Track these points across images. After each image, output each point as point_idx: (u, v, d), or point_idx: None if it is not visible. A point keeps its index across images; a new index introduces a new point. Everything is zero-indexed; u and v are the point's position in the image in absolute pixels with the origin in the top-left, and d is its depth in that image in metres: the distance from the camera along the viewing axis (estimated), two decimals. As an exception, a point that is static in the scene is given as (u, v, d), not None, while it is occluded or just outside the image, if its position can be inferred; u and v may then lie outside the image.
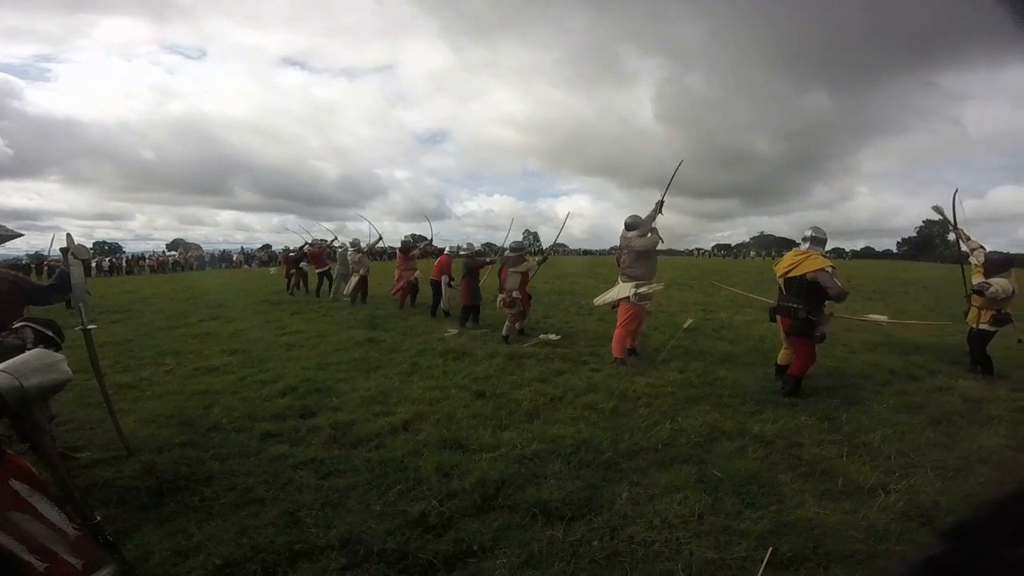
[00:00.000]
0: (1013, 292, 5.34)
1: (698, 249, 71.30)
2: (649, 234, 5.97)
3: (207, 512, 2.79)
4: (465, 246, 10.48)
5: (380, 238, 12.85)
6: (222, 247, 51.98)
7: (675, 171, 6.24)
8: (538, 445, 3.57)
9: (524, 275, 7.37)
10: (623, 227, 6.20)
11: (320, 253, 14.04)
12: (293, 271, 14.76)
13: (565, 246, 74.68)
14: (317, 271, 13.88)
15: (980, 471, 3.18)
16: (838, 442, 3.69)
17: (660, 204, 6.06)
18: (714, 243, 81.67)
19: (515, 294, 7.22)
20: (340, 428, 3.97)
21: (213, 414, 4.32)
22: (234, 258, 43.41)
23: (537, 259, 8.07)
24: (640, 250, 5.92)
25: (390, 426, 3.98)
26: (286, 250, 16.63)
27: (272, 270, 19.21)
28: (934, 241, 71.14)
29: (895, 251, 76.18)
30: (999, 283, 5.32)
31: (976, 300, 5.51)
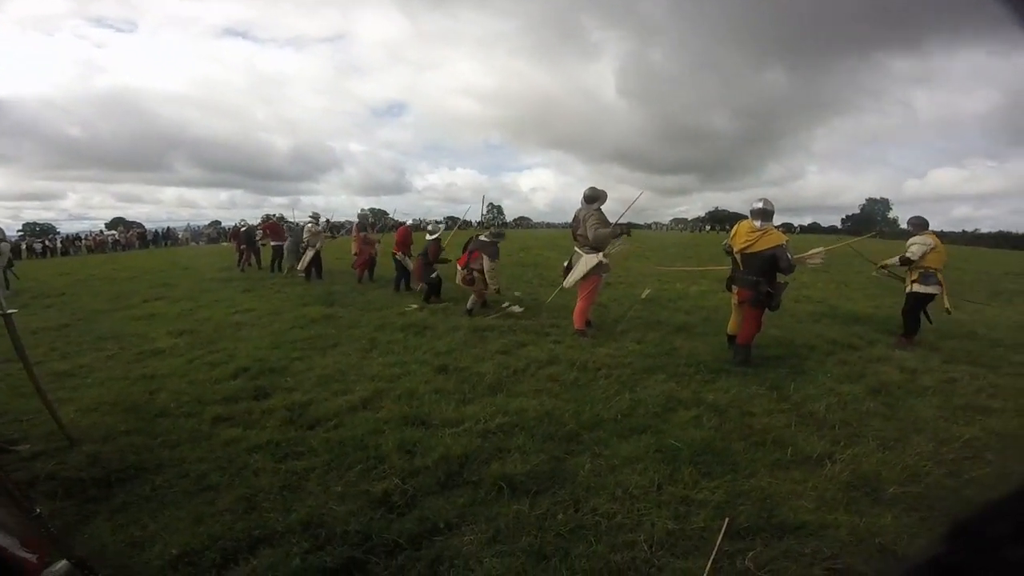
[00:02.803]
0: (933, 246, 5.80)
1: (656, 223, 73.14)
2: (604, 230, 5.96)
3: (160, 501, 2.69)
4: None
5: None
6: (166, 225, 49.07)
7: (635, 200, 6.52)
8: (501, 419, 3.58)
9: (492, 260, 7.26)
10: (582, 199, 6.17)
11: (278, 227, 13.46)
12: (243, 247, 14.10)
13: (529, 219, 74.85)
14: (273, 244, 13.33)
15: (916, 441, 3.38)
16: (787, 411, 3.87)
17: (624, 229, 6.14)
18: (672, 217, 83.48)
19: (475, 273, 7.13)
20: (296, 409, 3.86)
21: (160, 399, 4.13)
22: (180, 236, 41.27)
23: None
24: (587, 228, 5.95)
25: (349, 405, 3.90)
26: (237, 225, 15.81)
27: (225, 244, 18.41)
28: (875, 218, 76.49)
29: (839, 227, 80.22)
30: (915, 242, 5.86)
31: (907, 271, 5.99)
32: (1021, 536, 0.49)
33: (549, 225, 68.75)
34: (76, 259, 27.42)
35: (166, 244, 38.74)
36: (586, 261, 5.98)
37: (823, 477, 2.89)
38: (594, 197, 6.06)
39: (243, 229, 14.72)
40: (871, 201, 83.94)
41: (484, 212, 9.27)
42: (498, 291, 7.55)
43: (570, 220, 6.45)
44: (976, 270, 15.97)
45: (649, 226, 67.85)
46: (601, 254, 5.93)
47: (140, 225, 47.72)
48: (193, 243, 38.86)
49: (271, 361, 5.09)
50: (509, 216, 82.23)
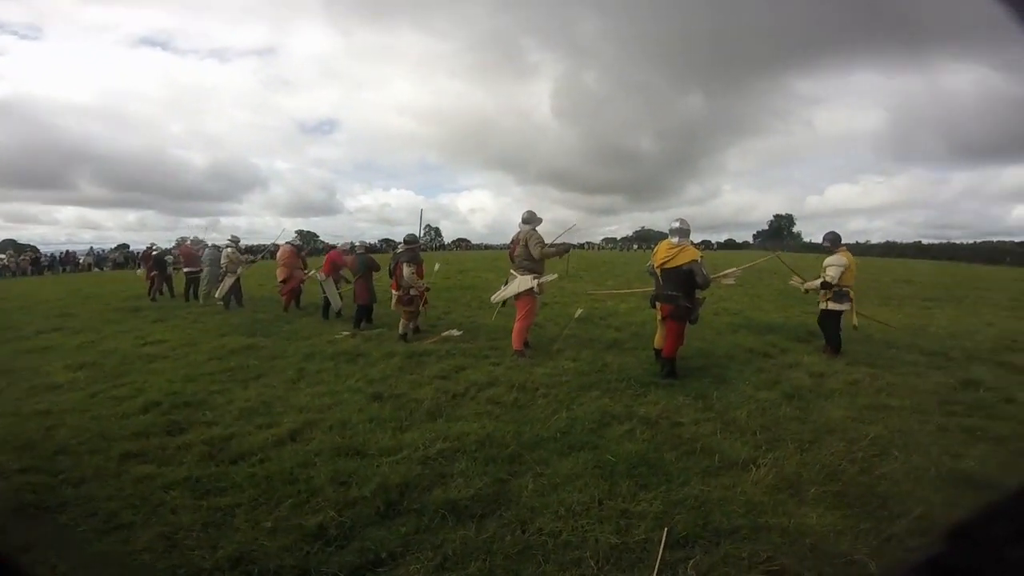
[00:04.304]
0: (848, 265, 6.26)
1: (588, 242, 75.84)
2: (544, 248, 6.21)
3: (67, 541, 2.49)
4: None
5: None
6: (65, 248, 44.14)
7: (569, 227, 6.87)
8: (442, 444, 3.52)
9: (419, 269, 7.19)
10: (521, 220, 6.37)
11: (193, 252, 12.46)
12: (155, 272, 12.97)
13: (468, 240, 74.92)
14: (186, 271, 12.34)
15: (829, 442, 3.66)
16: (712, 419, 4.07)
17: (567, 248, 6.45)
18: (603, 236, 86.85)
19: (412, 291, 7.02)
20: (216, 443, 3.63)
21: (59, 435, 3.80)
22: (81, 260, 37.29)
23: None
24: (531, 247, 6.15)
25: (275, 438, 3.69)
26: (148, 249, 14.52)
27: (139, 271, 16.82)
28: (783, 232, 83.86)
29: (751, 242, 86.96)
30: (832, 263, 6.25)
31: (826, 292, 6.33)
32: (1021, 536, 0.51)
33: (488, 246, 69.19)
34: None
35: (64, 270, 34.62)
36: (520, 282, 6.14)
37: (750, 482, 3.05)
38: (530, 219, 6.32)
39: (154, 253, 13.58)
40: (778, 217, 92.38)
41: (422, 228, 9.21)
42: (428, 290, 7.54)
43: (509, 242, 6.60)
44: (869, 279, 17.78)
45: (582, 246, 70.43)
46: (533, 277, 6.10)
47: (34, 248, 42.71)
48: (97, 269, 35.17)
49: (186, 395, 4.74)
50: (448, 237, 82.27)
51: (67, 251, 39.93)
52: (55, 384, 5.27)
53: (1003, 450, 3.58)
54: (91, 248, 41.45)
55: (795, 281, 6.90)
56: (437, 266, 7.58)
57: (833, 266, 6.25)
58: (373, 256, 8.46)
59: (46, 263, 34.96)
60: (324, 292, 9.23)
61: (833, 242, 6.50)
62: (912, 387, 5.04)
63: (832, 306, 6.31)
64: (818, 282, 6.37)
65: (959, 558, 0.54)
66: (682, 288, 5.23)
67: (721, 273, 6.30)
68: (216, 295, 10.92)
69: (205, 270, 11.61)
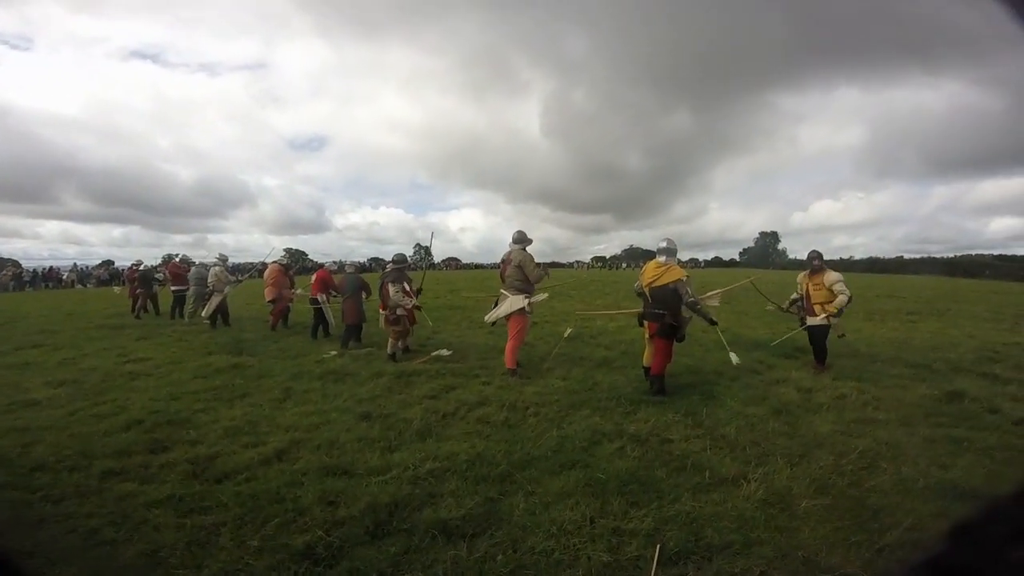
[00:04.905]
0: (843, 279, 6.36)
1: (578, 261, 76.46)
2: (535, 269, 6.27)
3: (46, 557, 2.44)
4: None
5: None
6: (48, 263, 43.35)
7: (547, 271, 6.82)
8: (432, 464, 3.48)
9: (406, 290, 7.17)
10: (511, 240, 6.41)
11: (182, 271, 12.31)
12: (140, 290, 12.79)
13: (458, 260, 74.97)
14: (173, 289, 12.19)
15: (819, 456, 3.68)
16: (702, 436, 4.08)
17: (545, 269, 6.53)
18: (592, 255, 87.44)
19: (399, 311, 6.99)
20: (200, 462, 3.58)
21: (36, 452, 3.74)
22: (64, 276, 36.65)
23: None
24: (527, 270, 6.19)
25: (261, 457, 3.64)
26: (133, 266, 14.31)
27: (117, 289, 16.41)
28: (768, 250, 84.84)
29: (738, 259, 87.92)
30: (839, 279, 6.31)
31: (828, 308, 6.34)
32: (1021, 536, 0.51)
33: (479, 266, 69.07)
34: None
35: (47, 285, 34.15)
36: (511, 302, 6.15)
37: (741, 497, 3.05)
38: (522, 239, 6.35)
39: (141, 270, 13.40)
40: (763, 235, 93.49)
41: (431, 245, 9.15)
42: (419, 309, 7.52)
43: (498, 261, 6.64)
44: (853, 294, 18.09)
45: (572, 264, 70.91)
46: (525, 297, 6.13)
47: (15, 263, 41.83)
48: (80, 285, 34.68)
49: (169, 413, 4.67)
50: (438, 257, 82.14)
51: (50, 267, 39.33)
52: (34, 401, 5.18)
53: (990, 460, 3.63)
54: (75, 264, 40.86)
55: (771, 307, 7.06)
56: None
57: (841, 282, 6.34)
58: (363, 276, 8.46)
59: (28, 279, 34.27)
60: (324, 313, 9.19)
61: (821, 260, 6.61)
62: (898, 400, 5.11)
63: (831, 320, 6.39)
64: (844, 299, 6.30)
65: (959, 558, 0.54)
66: (668, 306, 5.28)
67: (707, 294, 6.39)
68: (203, 314, 10.77)
69: (192, 288, 11.49)
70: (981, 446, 3.85)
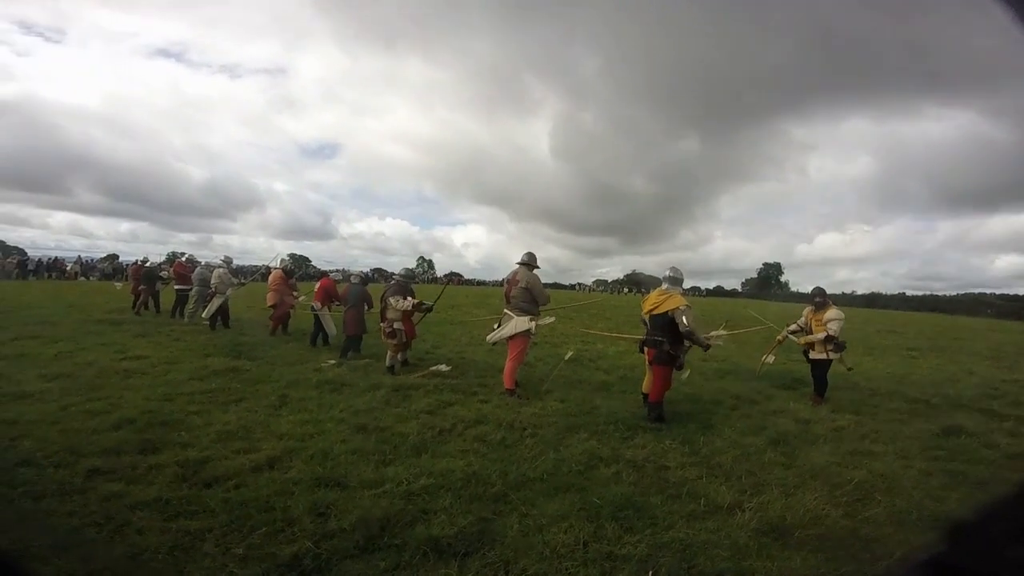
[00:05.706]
0: (842, 317, 6.42)
1: (580, 284, 76.57)
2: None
3: (23, 553, 2.36)
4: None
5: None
6: (54, 254, 43.46)
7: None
8: (426, 480, 3.45)
9: (413, 302, 7.19)
10: (518, 262, 6.43)
11: (187, 270, 12.34)
12: (142, 287, 12.84)
13: (460, 275, 75.16)
14: (177, 288, 12.21)
15: (814, 486, 3.67)
16: (697, 464, 4.06)
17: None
18: (594, 278, 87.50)
19: (396, 324, 7.00)
20: (190, 466, 3.53)
21: (23, 447, 3.69)
22: (68, 268, 36.71)
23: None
24: (528, 287, 6.22)
25: (253, 464, 3.60)
26: (138, 262, 14.38)
27: (118, 285, 16.36)
28: (771, 281, 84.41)
29: (740, 290, 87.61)
30: (834, 318, 6.37)
31: (835, 350, 6.39)
32: (1021, 536, 0.52)
33: (481, 282, 69.24)
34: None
35: (51, 276, 34.12)
36: (516, 323, 6.16)
37: (735, 525, 3.03)
38: (531, 261, 6.39)
39: (147, 266, 13.45)
40: (766, 265, 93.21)
41: (417, 265, 9.23)
42: (429, 310, 7.49)
43: (501, 279, 6.66)
44: (854, 329, 18.06)
45: (573, 286, 70.90)
46: (530, 319, 6.14)
47: (21, 251, 41.98)
48: (83, 278, 34.67)
49: (163, 414, 4.63)
50: (440, 271, 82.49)
51: (55, 257, 39.43)
52: (26, 393, 5.13)
53: (984, 493, 3.62)
54: (79, 256, 40.97)
55: (769, 358, 7.29)
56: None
57: (835, 320, 6.39)
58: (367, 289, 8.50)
59: (32, 267, 34.38)
60: (322, 322, 9.20)
61: (824, 296, 6.64)
62: (895, 433, 5.11)
63: (832, 356, 6.41)
64: (822, 336, 6.40)
65: (959, 558, 0.55)
66: (667, 334, 5.28)
67: (713, 333, 6.40)
68: (203, 315, 10.79)
69: (194, 288, 11.54)
70: (976, 479, 3.87)
